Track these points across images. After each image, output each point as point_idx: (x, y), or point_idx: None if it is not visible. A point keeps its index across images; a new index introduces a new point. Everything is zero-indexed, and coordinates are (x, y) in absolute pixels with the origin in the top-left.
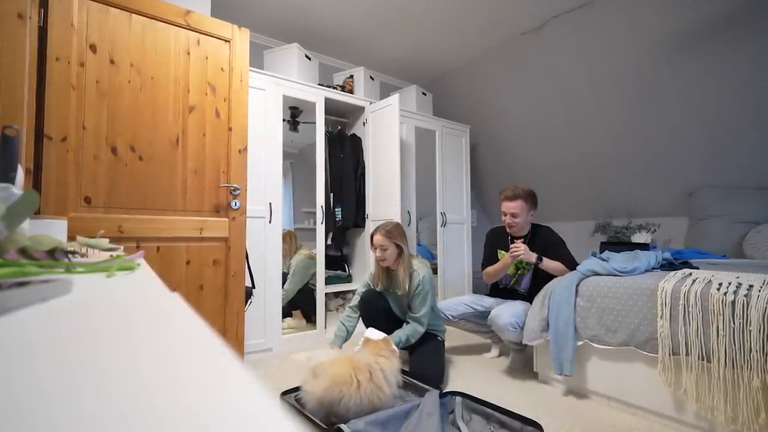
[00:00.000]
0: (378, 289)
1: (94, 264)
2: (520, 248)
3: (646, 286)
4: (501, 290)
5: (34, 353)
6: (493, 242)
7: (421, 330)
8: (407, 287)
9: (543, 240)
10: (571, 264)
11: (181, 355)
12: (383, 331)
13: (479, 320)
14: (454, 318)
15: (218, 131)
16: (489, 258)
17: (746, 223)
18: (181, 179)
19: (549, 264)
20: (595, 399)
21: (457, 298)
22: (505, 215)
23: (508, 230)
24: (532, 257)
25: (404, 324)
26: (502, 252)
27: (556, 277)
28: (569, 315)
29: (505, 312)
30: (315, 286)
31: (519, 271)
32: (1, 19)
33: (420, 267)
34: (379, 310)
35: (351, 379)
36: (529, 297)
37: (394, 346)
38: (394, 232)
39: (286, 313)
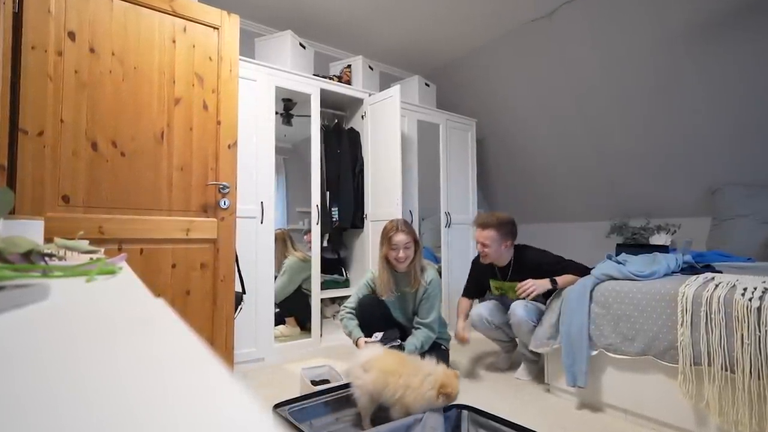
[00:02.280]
0: (388, 296)
1: (73, 267)
2: (528, 287)
3: (666, 291)
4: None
5: (9, 363)
6: (481, 272)
7: (433, 336)
8: (418, 285)
9: (530, 263)
10: (578, 269)
11: (166, 365)
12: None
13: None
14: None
15: (206, 125)
16: (473, 288)
17: None
18: (167, 176)
19: (564, 282)
20: (611, 412)
21: (478, 311)
22: (478, 243)
23: (482, 260)
24: (547, 285)
25: (413, 330)
26: (497, 282)
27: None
28: (583, 322)
29: (527, 305)
30: (309, 291)
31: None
32: None
33: (428, 270)
34: (380, 318)
35: (397, 371)
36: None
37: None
38: (411, 227)
39: (279, 320)
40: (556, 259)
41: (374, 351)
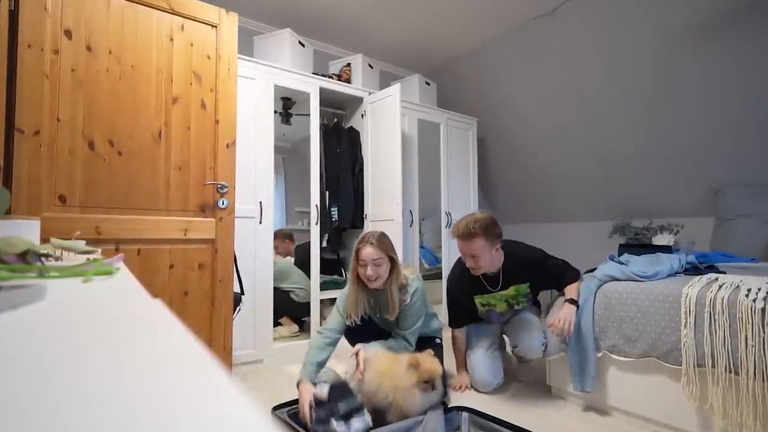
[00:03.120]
0: (355, 319)
1: (70, 268)
2: (563, 325)
3: (669, 292)
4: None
5: (5, 365)
6: (463, 291)
7: (411, 348)
8: (398, 309)
9: (523, 262)
10: (575, 274)
11: (164, 366)
12: None
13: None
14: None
15: (204, 124)
16: (462, 315)
17: None
18: (164, 176)
19: (574, 294)
20: (613, 414)
21: (479, 363)
22: (466, 257)
23: (473, 273)
24: (574, 310)
25: (393, 335)
26: (484, 298)
27: (566, 277)
28: (588, 326)
29: (532, 334)
30: (292, 290)
31: (517, 307)
32: None
33: (412, 279)
34: (371, 326)
35: (389, 372)
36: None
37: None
38: (385, 241)
39: (275, 321)
40: (543, 254)
41: (372, 350)
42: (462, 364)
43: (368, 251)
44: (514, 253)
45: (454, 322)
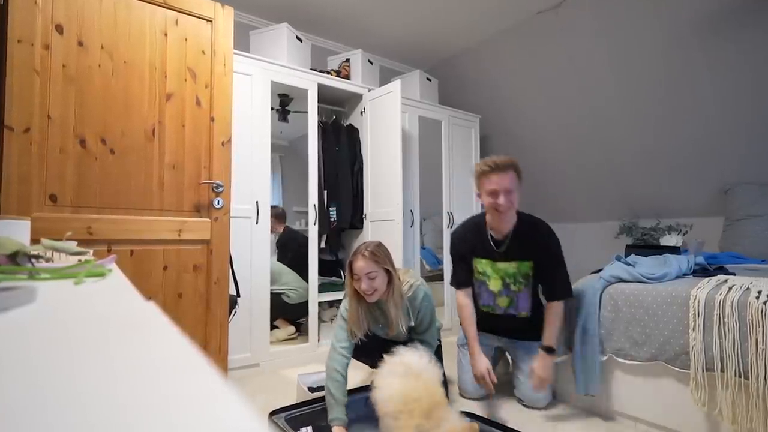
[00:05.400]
0: (360, 335)
1: (61, 270)
2: (540, 384)
3: (677, 294)
4: (486, 316)
5: None
6: (467, 245)
7: (434, 348)
8: (402, 324)
9: (536, 235)
10: (567, 291)
11: (157, 371)
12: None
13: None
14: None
15: (199, 121)
16: (468, 271)
17: None
18: (158, 175)
19: (552, 339)
20: (620, 420)
21: (468, 371)
22: (495, 194)
23: (498, 216)
24: (551, 363)
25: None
26: (484, 262)
27: (558, 283)
28: (594, 327)
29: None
30: (283, 291)
31: (513, 288)
32: None
33: (418, 286)
34: (379, 349)
35: (407, 404)
36: (532, 321)
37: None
38: (379, 253)
39: (270, 324)
40: (558, 244)
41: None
42: (476, 341)
43: (360, 265)
44: (530, 219)
45: (457, 280)
